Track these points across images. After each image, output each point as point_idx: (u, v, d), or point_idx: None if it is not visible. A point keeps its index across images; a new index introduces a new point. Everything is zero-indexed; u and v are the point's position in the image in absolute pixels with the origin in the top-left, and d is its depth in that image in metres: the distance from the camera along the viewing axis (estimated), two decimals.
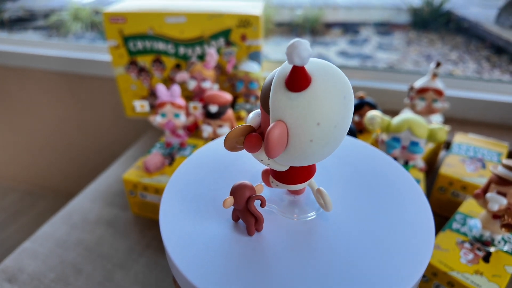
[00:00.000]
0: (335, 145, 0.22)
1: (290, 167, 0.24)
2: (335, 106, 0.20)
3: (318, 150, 0.21)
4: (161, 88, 0.49)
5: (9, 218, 1.25)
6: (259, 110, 0.24)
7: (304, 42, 0.18)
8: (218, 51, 0.62)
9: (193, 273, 0.22)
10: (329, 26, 1.19)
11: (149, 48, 0.62)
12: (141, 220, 0.51)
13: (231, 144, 0.23)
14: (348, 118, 0.21)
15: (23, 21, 1.29)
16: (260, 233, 0.25)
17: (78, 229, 0.49)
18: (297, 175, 0.25)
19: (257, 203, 0.24)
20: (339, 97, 0.20)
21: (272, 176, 0.26)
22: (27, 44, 0.99)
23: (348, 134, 0.39)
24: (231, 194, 0.24)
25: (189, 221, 0.26)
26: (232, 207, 0.25)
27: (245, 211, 0.24)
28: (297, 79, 0.19)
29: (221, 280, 0.21)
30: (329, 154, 0.22)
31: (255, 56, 0.63)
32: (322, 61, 0.21)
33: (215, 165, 0.31)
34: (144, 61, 0.63)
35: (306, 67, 0.20)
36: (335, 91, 0.20)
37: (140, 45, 0.62)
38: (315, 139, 0.20)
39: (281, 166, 0.24)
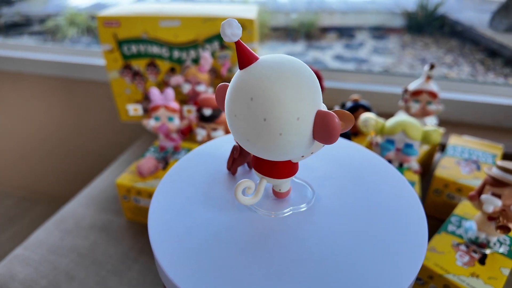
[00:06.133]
0: (247, 135, 0.22)
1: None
2: (237, 99, 0.22)
3: (231, 128, 0.23)
4: (154, 92, 0.49)
5: (4, 224, 1.24)
6: None
7: (231, 21, 0.20)
8: (213, 54, 0.62)
9: (181, 278, 0.21)
10: (324, 30, 1.20)
11: (143, 52, 0.62)
12: (135, 225, 0.50)
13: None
14: (255, 119, 0.21)
15: (19, 26, 1.29)
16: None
17: (71, 235, 0.49)
18: (255, 162, 0.26)
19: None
20: (245, 95, 0.21)
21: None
22: (21, 48, 0.99)
23: (342, 136, 0.39)
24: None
25: (179, 224, 0.25)
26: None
27: None
28: (238, 56, 0.21)
29: (209, 283, 0.21)
30: (249, 143, 0.22)
31: None
32: (278, 64, 0.21)
33: (208, 167, 0.31)
34: (139, 65, 0.63)
35: (264, 61, 0.21)
36: (244, 88, 0.21)
37: (134, 49, 0.62)
38: (227, 116, 0.23)
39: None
